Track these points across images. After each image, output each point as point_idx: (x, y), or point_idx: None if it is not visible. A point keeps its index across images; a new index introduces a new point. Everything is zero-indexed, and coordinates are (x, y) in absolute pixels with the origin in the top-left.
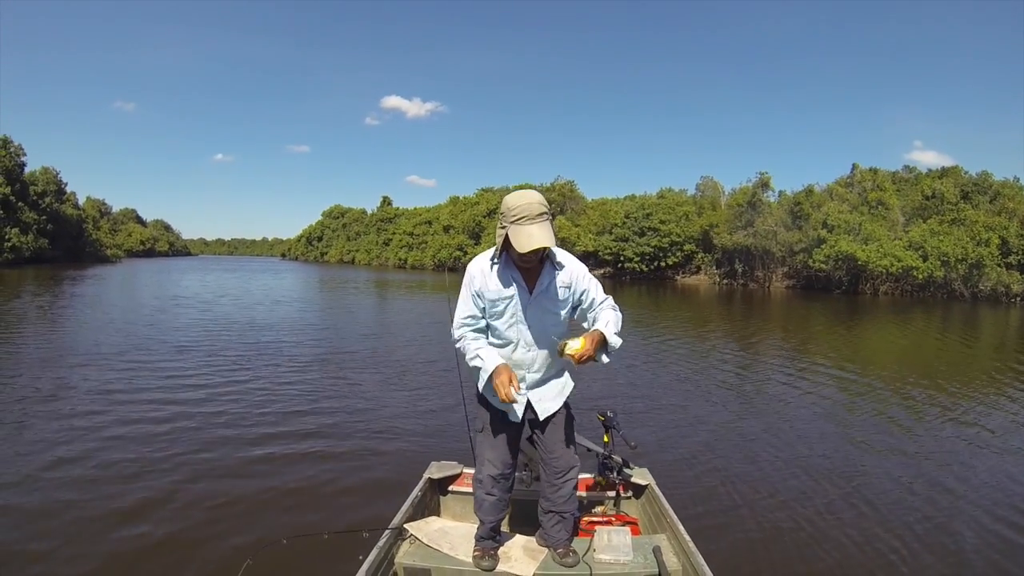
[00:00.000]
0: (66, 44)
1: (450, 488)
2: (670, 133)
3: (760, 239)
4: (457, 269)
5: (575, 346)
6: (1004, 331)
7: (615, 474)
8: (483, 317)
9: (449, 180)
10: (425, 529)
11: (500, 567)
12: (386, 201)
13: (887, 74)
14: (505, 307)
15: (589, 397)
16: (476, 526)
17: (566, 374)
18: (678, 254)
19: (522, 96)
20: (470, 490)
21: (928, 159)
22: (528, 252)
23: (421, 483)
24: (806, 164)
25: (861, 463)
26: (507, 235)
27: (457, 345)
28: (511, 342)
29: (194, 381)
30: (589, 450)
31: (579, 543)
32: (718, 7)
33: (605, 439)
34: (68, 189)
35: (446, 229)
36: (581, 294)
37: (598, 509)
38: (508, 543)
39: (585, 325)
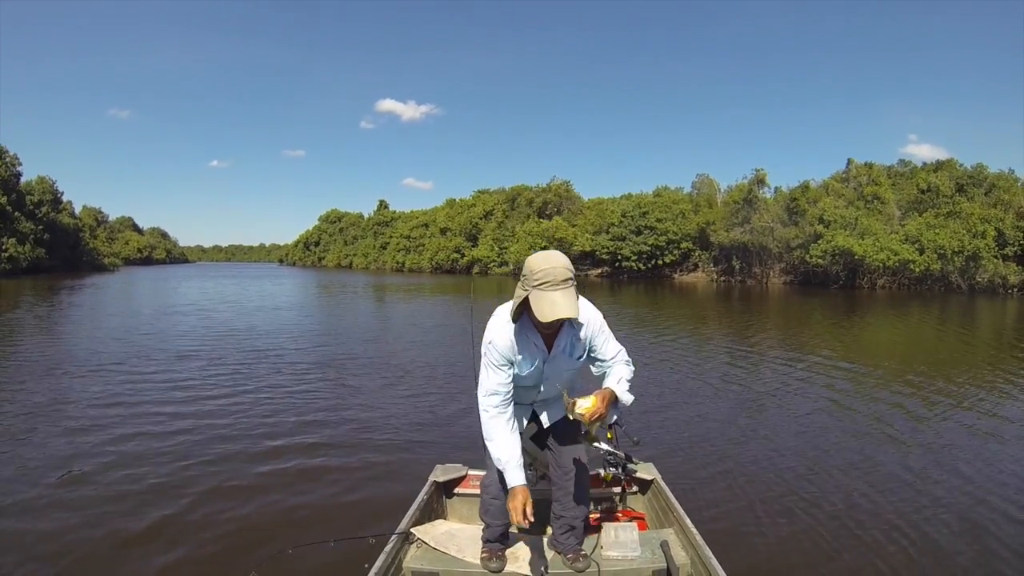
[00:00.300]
0: (59, 52)
1: (455, 491)
2: (665, 131)
3: (757, 236)
4: (455, 272)
5: (585, 405)
6: (1002, 322)
7: (620, 470)
8: (510, 382)
9: (445, 182)
10: (432, 532)
11: (508, 568)
12: (383, 204)
13: (881, 67)
14: (524, 370)
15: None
16: (483, 528)
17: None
18: (675, 252)
19: (516, 96)
20: (476, 492)
21: (923, 152)
22: (551, 321)
23: (426, 486)
24: (802, 160)
25: (864, 454)
26: (528, 298)
27: (484, 419)
28: (527, 388)
29: (197, 389)
30: (592, 444)
31: (586, 540)
32: (712, 3)
33: (609, 435)
34: (64, 198)
35: (443, 232)
36: (595, 347)
37: (604, 505)
38: (516, 544)
39: (593, 369)
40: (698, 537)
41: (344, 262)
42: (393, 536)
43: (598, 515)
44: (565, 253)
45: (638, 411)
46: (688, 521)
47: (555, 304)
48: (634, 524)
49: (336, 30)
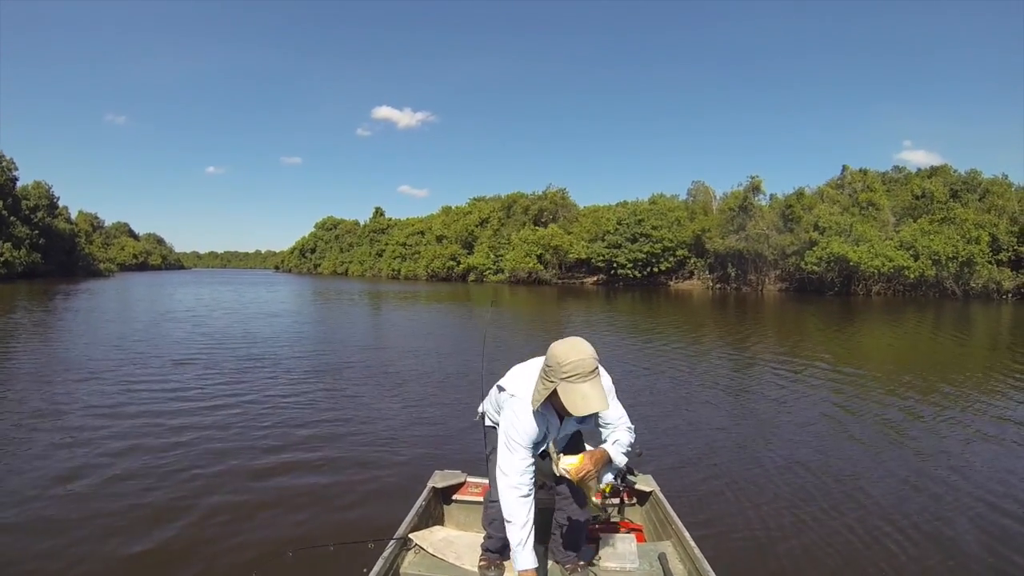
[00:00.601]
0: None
1: (454, 497)
2: (661, 138)
3: (752, 243)
4: (451, 279)
5: (571, 462)
6: (996, 328)
7: (620, 481)
8: (533, 459)
9: (441, 190)
10: (430, 539)
11: None
12: (379, 212)
13: (875, 73)
14: (542, 443)
15: None
16: (481, 535)
17: None
18: (671, 259)
19: (512, 104)
20: (474, 499)
21: (917, 158)
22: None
23: (425, 492)
24: (797, 167)
25: (861, 462)
26: (555, 390)
27: (512, 496)
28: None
29: (194, 395)
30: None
31: (585, 551)
32: (705, 9)
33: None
34: (60, 203)
35: (439, 239)
36: (601, 412)
37: (603, 516)
38: None
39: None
40: (696, 550)
41: (340, 269)
42: (392, 542)
43: (597, 526)
44: (560, 261)
45: (636, 419)
46: (686, 533)
47: (587, 398)
48: (632, 536)
49: (333, 37)
